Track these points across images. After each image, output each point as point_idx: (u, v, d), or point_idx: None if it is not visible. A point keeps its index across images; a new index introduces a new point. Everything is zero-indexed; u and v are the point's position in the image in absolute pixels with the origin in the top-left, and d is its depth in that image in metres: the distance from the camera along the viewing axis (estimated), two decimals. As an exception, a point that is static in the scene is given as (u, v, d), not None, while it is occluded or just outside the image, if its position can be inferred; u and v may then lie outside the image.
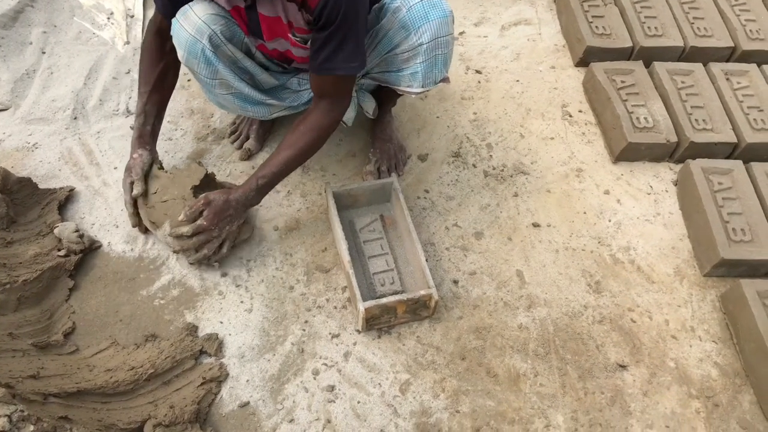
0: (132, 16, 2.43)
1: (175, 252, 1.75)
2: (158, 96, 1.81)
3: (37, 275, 1.69)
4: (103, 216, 1.91)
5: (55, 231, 1.80)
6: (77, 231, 1.81)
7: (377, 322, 1.71)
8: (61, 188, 1.93)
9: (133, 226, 1.83)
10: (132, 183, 1.77)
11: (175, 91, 2.15)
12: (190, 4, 1.63)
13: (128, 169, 1.79)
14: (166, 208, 1.75)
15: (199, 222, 1.69)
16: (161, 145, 2.07)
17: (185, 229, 1.69)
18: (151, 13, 2.42)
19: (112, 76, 2.24)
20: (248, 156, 2.05)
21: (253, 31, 1.66)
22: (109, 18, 2.41)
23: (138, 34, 2.37)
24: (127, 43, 2.34)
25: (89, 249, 1.82)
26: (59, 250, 1.78)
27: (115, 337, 1.68)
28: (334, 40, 1.53)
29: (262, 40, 1.68)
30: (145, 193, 1.77)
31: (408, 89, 1.75)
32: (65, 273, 1.76)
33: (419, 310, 1.72)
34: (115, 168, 2.01)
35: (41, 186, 1.91)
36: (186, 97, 2.19)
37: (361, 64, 1.61)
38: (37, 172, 1.98)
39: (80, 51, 2.31)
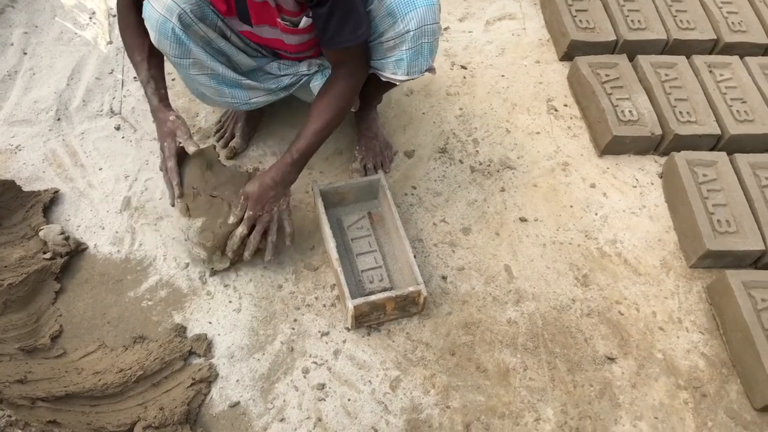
0: (114, 16, 2.40)
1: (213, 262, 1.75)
2: (157, 59, 1.74)
3: (22, 279, 1.67)
4: (89, 218, 1.90)
5: (40, 234, 1.78)
6: (62, 233, 1.80)
7: (366, 320, 1.71)
8: (45, 190, 1.91)
9: (178, 197, 1.69)
10: (178, 147, 1.67)
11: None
12: None
13: (170, 134, 1.66)
14: (210, 203, 1.70)
15: (239, 213, 1.68)
16: (147, 146, 2.06)
17: (231, 219, 1.68)
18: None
19: (95, 77, 2.23)
20: (233, 154, 2.04)
21: (242, 16, 1.64)
22: (91, 18, 2.39)
23: (121, 33, 2.35)
24: (110, 42, 2.32)
25: (75, 251, 1.81)
26: (44, 252, 1.76)
27: (102, 340, 1.67)
28: (336, 15, 1.53)
29: (249, 26, 1.66)
30: (193, 175, 1.70)
31: (393, 76, 1.73)
32: (51, 276, 1.74)
33: (408, 306, 1.72)
34: (100, 169, 2.00)
35: (25, 188, 1.89)
36: (170, 96, 2.16)
37: (367, 28, 1.62)
38: (21, 175, 1.97)
39: (62, 51, 2.29)
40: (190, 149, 1.65)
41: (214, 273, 1.80)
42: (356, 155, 2.03)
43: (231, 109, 2.09)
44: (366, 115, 2.05)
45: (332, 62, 1.71)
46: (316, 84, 1.81)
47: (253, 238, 1.71)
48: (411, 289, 1.67)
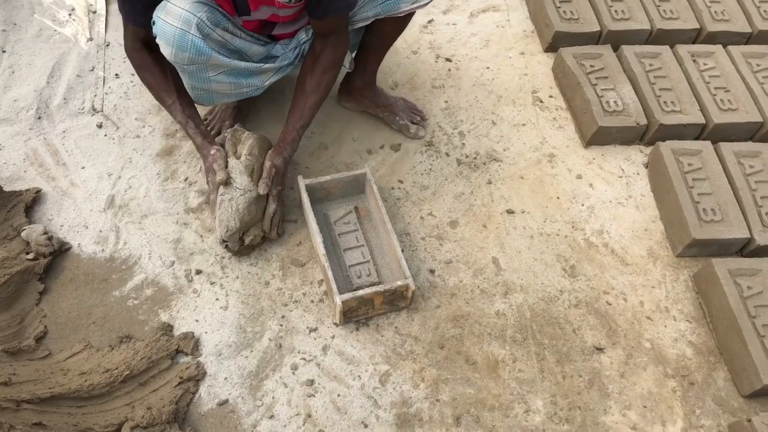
0: (94, 12, 2.37)
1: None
2: (187, 99, 1.79)
3: (5, 280, 1.65)
4: (72, 217, 1.87)
5: (23, 234, 1.76)
6: (45, 233, 1.77)
7: (355, 315, 1.71)
8: (27, 190, 1.88)
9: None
10: (221, 180, 1.73)
11: (142, 87, 2.13)
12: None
13: (210, 169, 1.75)
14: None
15: (270, 183, 1.75)
16: (130, 144, 2.04)
17: (263, 189, 1.73)
18: (114, 8, 2.37)
19: (76, 74, 2.20)
20: None
21: (240, 8, 1.65)
22: (70, 14, 2.35)
23: (101, 30, 2.32)
24: (90, 39, 2.29)
25: (59, 251, 1.79)
26: (27, 253, 1.74)
27: (88, 340, 1.66)
28: None
29: (247, 15, 1.67)
30: (263, 148, 1.82)
31: (414, 5, 1.78)
32: (35, 276, 1.72)
33: (396, 300, 1.72)
34: (83, 167, 1.98)
35: (6, 188, 1.86)
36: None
37: None
38: (2, 175, 1.94)
39: (42, 49, 2.26)
40: (217, 179, 1.71)
41: (225, 247, 1.79)
42: (401, 123, 2.10)
43: (219, 107, 2.09)
44: (373, 92, 2.09)
45: (320, 32, 1.76)
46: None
47: (279, 215, 1.81)
48: (399, 283, 1.67)
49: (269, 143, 1.86)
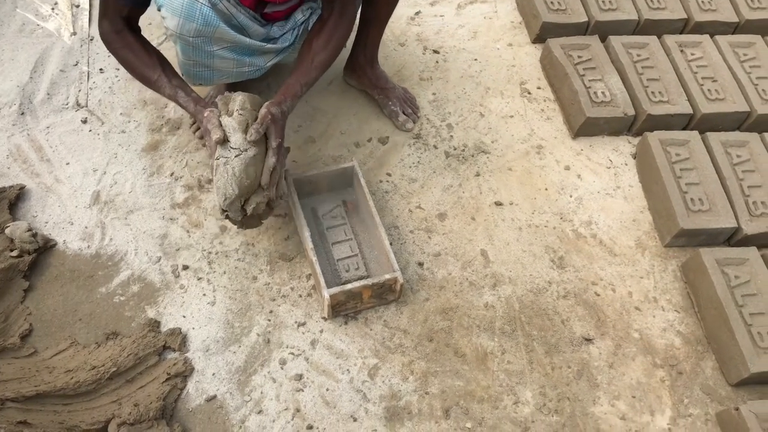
0: (77, 6, 2.34)
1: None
2: (171, 68, 1.71)
3: (-12, 277, 1.64)
4: (57, 213, 1.86)
5: (7, 231, 1.74)
6: (30, 230, 1.76)
7: (343, 309, 1.70)
8: (10, 187, 1.86)
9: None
10: (219, 138, 1.58)
11: (127, 81, 2.12)
12: None
13: (207, 132, 1.61)
14: (262, 141, 1.61)
15: (261, 130, 1.58)
16: (115, 139, 2.02)
17: (253, 135, 1.56)
18: (97, 2, 2.35)
19: (59, 69, 2.17)
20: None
21: None
22: (53, 8, 2.33)
23: (84, 24, 2.29)
24: (74, 34, 2.27)
25: (43, 248, 1.77)
26: (11, 250, 1.72)
27: (74, 337, 1.65)
28: None
29: None
30: (257, 102, 1.66)
31: None
32: (19, 274, 1.71)
33: (385, 294, 1.71)
34: (67, 163, 1.96)
35: (-11, 185, 1.85)
36: (138, 88, 2.13)
37: None
38: (-15, 171, 1.92)
39: (24, 44, 2.23)
40: (214, 139, 1.57)
41: (226, 217, 1.65)
42: (393, 109, 2.10)
43: (210, 95, 2.07)
44: (374, 71, 2.10)
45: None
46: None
47: (279, 171, 1.63)
48: (387, 276, 1.66)
49: (261, 100, 1.69)
